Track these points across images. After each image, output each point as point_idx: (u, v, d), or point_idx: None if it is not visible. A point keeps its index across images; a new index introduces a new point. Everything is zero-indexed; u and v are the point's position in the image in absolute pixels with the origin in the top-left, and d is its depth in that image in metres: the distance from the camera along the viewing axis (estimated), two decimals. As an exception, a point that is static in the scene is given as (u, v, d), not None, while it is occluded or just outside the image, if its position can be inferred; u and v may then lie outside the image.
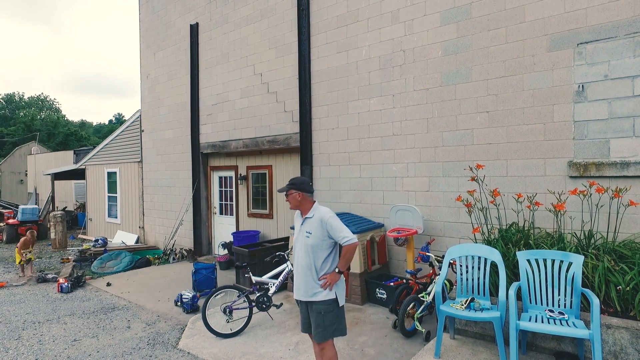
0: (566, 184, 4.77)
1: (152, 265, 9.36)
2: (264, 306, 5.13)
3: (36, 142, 29.81)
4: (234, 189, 9.43)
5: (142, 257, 9.66)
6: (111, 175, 12.68)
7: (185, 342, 4.89)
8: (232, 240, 8.72)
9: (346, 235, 3.22)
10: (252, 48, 8.42)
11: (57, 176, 15.87)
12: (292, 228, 6.48)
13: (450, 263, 4.34)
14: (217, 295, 5.21)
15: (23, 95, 77.55)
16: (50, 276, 8.26)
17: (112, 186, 12.64)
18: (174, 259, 9.59)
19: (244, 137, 8.57)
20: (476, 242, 4.63)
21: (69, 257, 10.10)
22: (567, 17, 4.80)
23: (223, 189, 9.78)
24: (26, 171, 29.67)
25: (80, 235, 13.55)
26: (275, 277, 5.45)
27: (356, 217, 6.44)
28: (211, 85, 9.38)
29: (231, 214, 9.55)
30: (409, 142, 6.12)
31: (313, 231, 3.31)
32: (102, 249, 10.07)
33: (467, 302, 3.87)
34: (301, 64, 7.45)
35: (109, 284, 7.75)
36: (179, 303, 6.26)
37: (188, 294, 6.19)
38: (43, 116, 77.39)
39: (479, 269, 4.11)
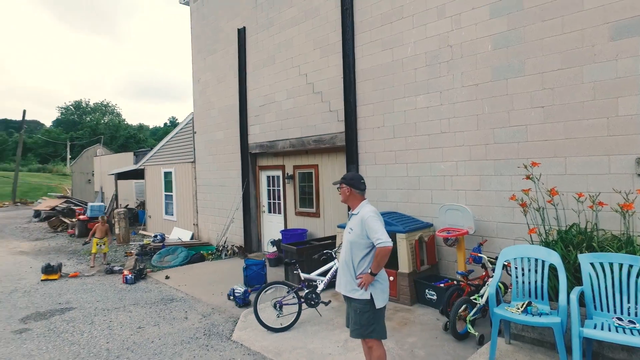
0: (634, 183, 4.38)
1: (205, 261, 9.73)
2: (312, 303, 5.17)
3: (101, 144, 31.95)
4: (281, 188, 9.58)
5: (196, 252, 10.07)
6: (167, 175, 13.33)
7: (238, 334, 5.04)
8: (280, 238, 8.86)
9: (380, 238, 3.13)
10: (297, 49, 8.48)
11: (120, 176, 16.92)
12: (339, 227, 6.48)
13: (504, 265, 4.13)
14: (267, 290, 5.32)
15: (89, 102, 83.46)
16: (116, 268, 8.83)
17: (168, 185, 13.29)
18: (225, 255, 9.92)
19: (291, 137, 8.67)
20: (532, 244, 4.38)
21: (132, 251, 10.74)
22: (631, 3, 4.39)
23: (271, 188, 9.96)
24: (93, 171, 31.94)
25: (140, 231, 14.37)
26: (323, 274, 5.47)
27: (403, 217, 6.31)
28: (258, 87, 9.57)
29: (279, 213, 9.71)
30: (457, 139, 5.90)
31: (354, 228, 3.30)
32: (161, 244, 10.61)
33: (524, 305, 3.67)
34: (345, 63, 7.40)
35: (167, 277, 8.15)
36: (232, 297, 6.46)
37: (240, 288, 6.36)
38: (106, 120, 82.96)
39: (535, 271, 3.88)
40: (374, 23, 6.96)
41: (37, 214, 19.46)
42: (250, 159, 10.02)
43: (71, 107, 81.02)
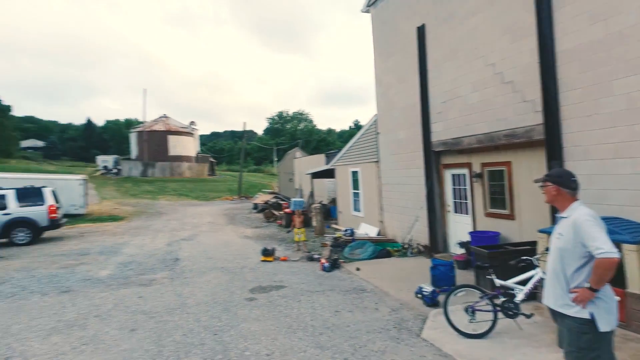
0: None
1: (392, 257, 10.06)
2: (510, 313, 4.74)
3: (299, 147, 36.64)
4: (467, 187, 9.07)
5: (383, 248, 10.52)
6: (354, 174, 14.33)
7: (428, 333, 5.05)
8: (469, 239, 8.41)
9: (601, 247, 2.59)
10: (482, 38, 7.85)
11: (314, 175, 19.08)
12: (541, 231, 5.72)
13: None
14: (457, 293, 5.15)
15: (288, 112, 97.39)
16: (315, 256, 10.05)
17: (355, 184, 14.28)
18: (411, 253, 10.03)
19: (477, 132, 8.10)
20: None
21: (327, 243, 12.01)
22: None
23: (456, 186, 9.55)
24: (293, 172, 37.06)
25: (333, 225, 15.89)
26: (522, 283, 4.94)
27: (632, 224, 5.11)
28: (440, 83, 9.29)
29: (466, 213, 9.21)
30: None
31: (565, 233, 2.85)
32: (351, 238, 11.51)
33: None
34: (542, 46, 6.45)
35: (358, 269, 8.79)
36: (419, 295, 6.50)
37: (427, 288, 6.35)
38: (302, 127, 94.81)
39: None
40: (582, -7, 5.85)
41: (255, 206, 23.81)
42: (434, 157, 9.83)
43: (276, 117, 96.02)
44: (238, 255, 10.70)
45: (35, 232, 13.19)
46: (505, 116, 7.38)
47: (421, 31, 9.86)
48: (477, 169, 8.69)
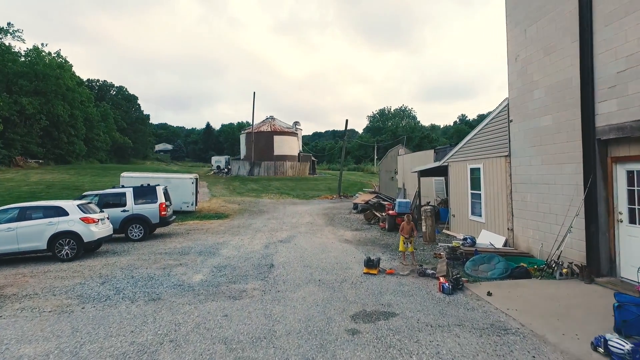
0: None
1: (532, 278, 7.68)
2: None
3: (403, 145, 34.33)
4: (659, 188, 6.28)
5: (517, 265, 8.17)
6: (474, 172, 11.93)
7: None
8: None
9: None
10: None
11: (423, 173, 16.89)
12: None
13: None
14: None
15: (390, 108, 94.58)
16: (429, 271, 8.16)
17: (475, 183, 11.88)
18: (560, 274, 7.51)
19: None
20: None
21: (441, 253, 9.96)
22: None
23: (635, 187, 6.78)
24: (395, 169, 34.85)
25: (444, 230, 13.65)
26: None
27: None
28: (615, 46, 6.63)
29: (654, 224, 6.42)
30: None
31: None
32: (472, 249, 9.31)
33: None
34: None
35: (489, 294, 6.71)
36: (602, 349, 4.29)
37: (621, 342, 4.11)
38: (404, 124, 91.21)
39: None
40: None
41: (355, 206, 22.44)
42: (598, 148, 7.17)
43: (377, 114, 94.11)
44: (337, 265, 9.35)
45: (147, 229, 13.71)
46: None
47: (579, -21, 7.26)
48: (681, 162, 5.90)
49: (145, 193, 14.12)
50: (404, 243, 9.30)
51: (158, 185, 14.63)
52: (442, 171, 15.18)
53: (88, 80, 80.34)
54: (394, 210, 14.83)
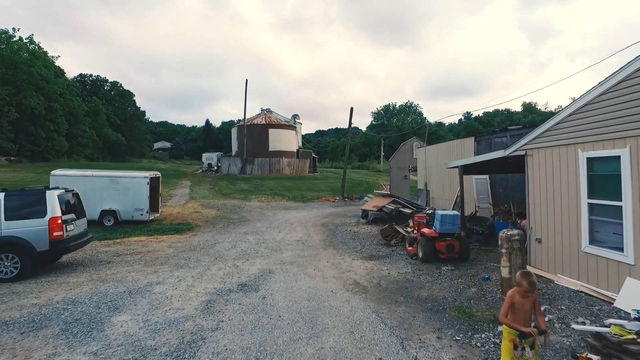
0: None
1: None
2: None
3: (416, 136, 28.58)
4: None
5: None
6: (598, 164, 6.23)
7: None
8: None
9: None
10: None
11: (465, 170, 11.18)
12: None
13: None
14: None
15: (395, 104, 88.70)
16: None
17: (601, 184, 6.18)
18: None
19: None
20: None
21: (585, 356, 4.24)
22: None
23: None
24: (410, 167, 29.06)
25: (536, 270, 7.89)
26: None
27: None
28: None
29: None
30: None
31: None
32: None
33: None
34: None
35: None
36: None
37: None
38: (410, 120, 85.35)
39: None
40: None
41: (365, 214, 16.76)
42: None
43: (381, 111, 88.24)
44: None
45: (27, 261, 8.13)
46: None
47: None
48: None
49: (26, 202, 8.51)
50: (518, 349, 3.55)
51: (52, 188, 9.00)
52: (493, 166, 9.54)
53: (80, 74, 75.11)
54: (431, 229, 9.10)
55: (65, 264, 9.41)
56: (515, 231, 6.21)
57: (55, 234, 8.43)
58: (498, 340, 4.81)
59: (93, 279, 7.99)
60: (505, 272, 6.17)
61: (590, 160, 6.39)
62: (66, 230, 8.68)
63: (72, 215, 9.12)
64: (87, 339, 5.05)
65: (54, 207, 8.51)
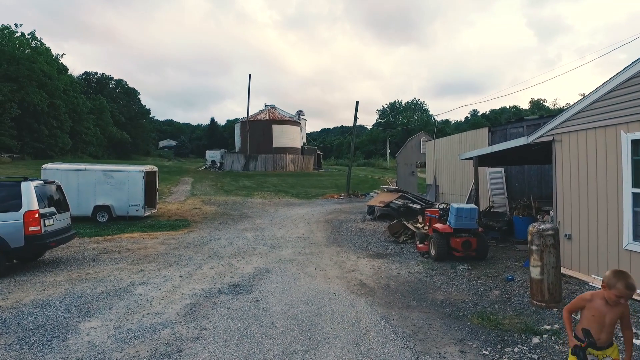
0: None
1: None
2: None
3: (424, 131, 27.60)
4: None
5: None
6: (647, 147, 5.31)
7: None
8: None
9: None
10: None
11: (480, 161, 10.28)
12: None
13: None
14: None
15: (401, 102, 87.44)
16: None
17: (653, 171, 5.26)
18: None
19: None
20: None
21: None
22: None
23: None
24: (417, 162, 28.11)
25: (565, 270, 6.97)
26: None
27: None
28: None
29: None
30: None
31: None
32: None
33: None
34: None
35: None
36: None
37: None
38: (416, 117, 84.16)
39: None
40: None
41: (371, 210, 15.90)
42: None
43: (387, 109, 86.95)
44: None
45: (0, 258, 7.38)
46: None
47: None
48: None
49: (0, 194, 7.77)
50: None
51: (29, 179, 8.23)
52: (506, 157, 8.62)
53: (85, 72, 74.89)
54: (445, 224, 8.21)
55: (47, 261, 8.67)
56: (549, 225, 5.31)
57: (31, 228, 7.67)
58: (535, 356, 3.94)
59: (72, 278, 7.23)
60: (535, 272, 5.28)
61: (635, 143, 5.47)
62: (44, 225, 7.92)
63: (52, 209, 8.36)
64: (43, 349, 4.26)
65: (30, 200, 7.74)
